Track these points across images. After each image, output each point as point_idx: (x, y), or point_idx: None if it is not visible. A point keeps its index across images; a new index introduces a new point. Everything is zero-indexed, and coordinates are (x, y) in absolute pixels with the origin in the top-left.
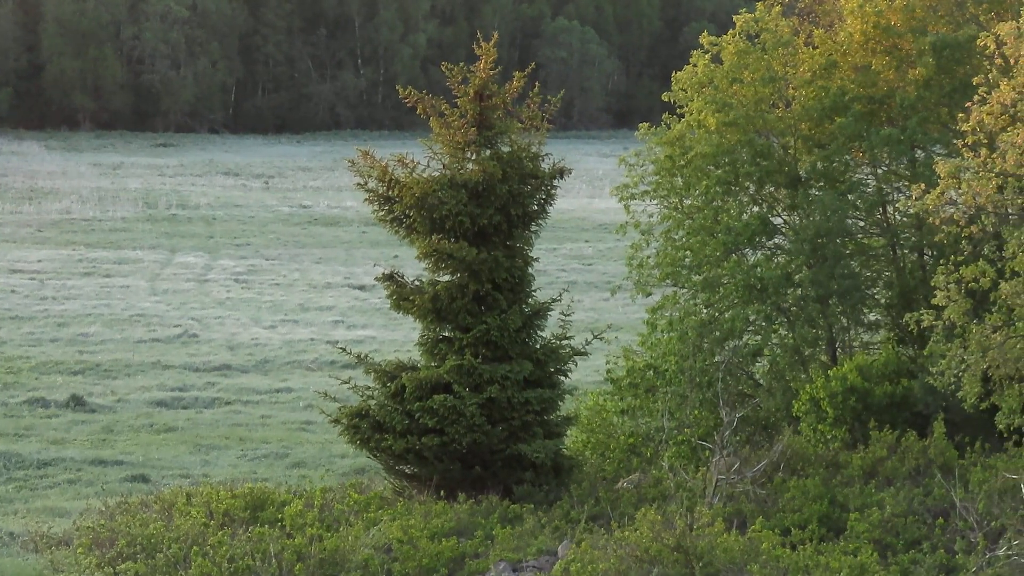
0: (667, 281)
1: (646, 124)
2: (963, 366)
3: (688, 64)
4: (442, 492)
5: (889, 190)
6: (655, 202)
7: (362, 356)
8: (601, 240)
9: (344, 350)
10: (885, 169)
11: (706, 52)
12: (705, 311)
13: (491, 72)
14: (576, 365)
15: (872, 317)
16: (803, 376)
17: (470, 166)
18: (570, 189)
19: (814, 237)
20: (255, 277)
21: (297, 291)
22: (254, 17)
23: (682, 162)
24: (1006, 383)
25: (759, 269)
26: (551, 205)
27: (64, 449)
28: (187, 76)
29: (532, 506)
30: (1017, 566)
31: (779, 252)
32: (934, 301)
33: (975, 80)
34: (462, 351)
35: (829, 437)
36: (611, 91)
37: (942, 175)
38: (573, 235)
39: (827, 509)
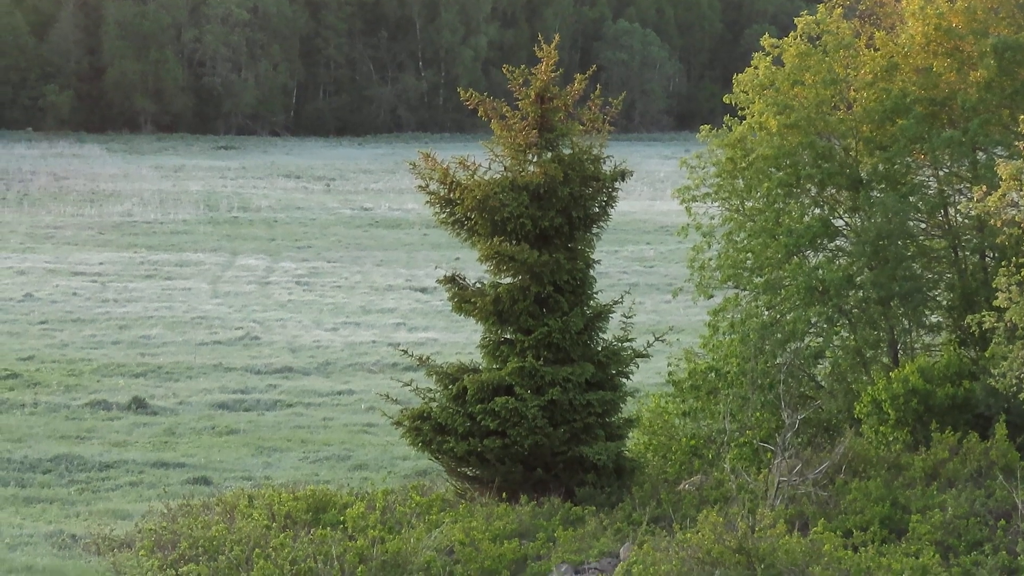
0: (729, 283)
1: (707, 126)
2: None
3: (749, 66)
4: (504, 494)
5: (951, 192)
6: (716, 204)
7: (424, 358)
8: (663, 242)
9: (406, 352)
10: (947, 171)
11: (767, 54)
12: (767, 313)
13: (552, 74)
14: (638, 367)
15: (934, 319)
16: (865, 378)
17: (531, 168)
18: (631, 191)
19: (876, 239)
20: (316, 279)
21: (359, 293)
22: (315, 20)
23: (743, 164)
24: None
25: (821, 271)
26: (612, 207)
27: (126, 451)
28: (248, 79)
29: (594, 508)
30: None
31: (841, 254)
32: (996, 303)
33: None
34: (524, 353)
35: (891, 439)
36: (672, 93)
37: (1004, 177)
38: (635, 237)
39: (889, 511)
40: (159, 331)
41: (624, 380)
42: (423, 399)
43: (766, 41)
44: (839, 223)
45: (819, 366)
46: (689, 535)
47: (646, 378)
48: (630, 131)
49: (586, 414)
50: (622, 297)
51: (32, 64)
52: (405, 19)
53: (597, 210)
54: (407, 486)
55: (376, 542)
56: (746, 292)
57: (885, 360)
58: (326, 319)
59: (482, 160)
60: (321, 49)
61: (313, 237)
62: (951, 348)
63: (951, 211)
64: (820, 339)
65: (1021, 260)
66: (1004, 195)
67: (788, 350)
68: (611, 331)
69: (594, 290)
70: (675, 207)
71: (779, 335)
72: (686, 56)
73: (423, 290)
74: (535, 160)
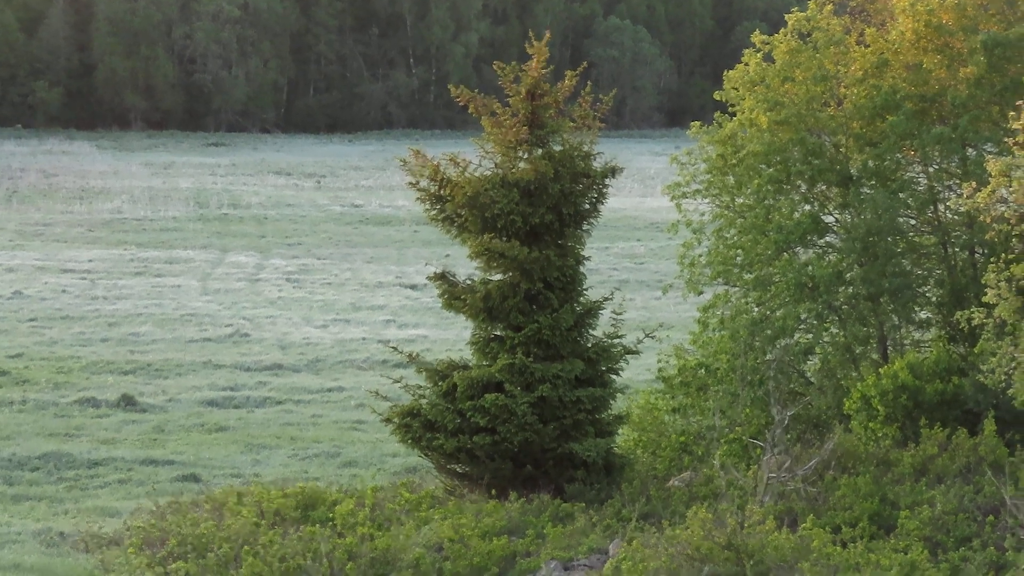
0: (719, 280)
1: (698, 123)
2: (1013, 364)
3: (740, 63)
4: (493, 491)
5: (940, 188)
6: (707, 201)
7: (414, 355)
8: (653, 239)
9: (396, 349)
10: (936, 167)
11: (758, 51)
12: (756, 309)
13: (543, 71)
14: (627, 364)
15: (923, 315)
16: (854, 374)
17: (522, 165)
18: (622, 188)
19: (865, 235)
20: (307, 276)
21: (349, 290)
22: (306, 16)
23: (734, 161)
24: None
25: (810, 267)
26: (603, 204)
27: (115, 449)
28: (239, 75)
29: (583, 505)
30: None
31: (830, 250)
32: (985, 299)
33: None
34: (514, 350)
35: (880, 435)
36: (663, 90)
37: (993, 173)
38: (625, 234)
39: (878, 507)
40: (148, 328)
41: (614, 377)
42: (413, 396)
43: (756, 38)
44: (829, 219)
45: (809, 362)
46: (678, 531)
47: (636, 374)
48: (621, 128)
49: (576, 411)
50: (612, 294)
51: (22, 61)
52: (396, 16)
53: (587, 207)
54: (396, 483)
55: (365, 539)
56: (736, 288)
57: (875, 356)
58: (316, 316)
59: (473, 157)
60: (312, 46)
61: (303, 234)
62: (940, 344)
63: (941, 207)
64: (810, 335)
65: (1010, 256)
66: (993, 191)
67: (778, 346)
68: (601, 328)
69: (584, 287)
70: (665, 204)
71: (769, 331)
72: (677, 53)
73: (413, 287)
74: (526, 157)
